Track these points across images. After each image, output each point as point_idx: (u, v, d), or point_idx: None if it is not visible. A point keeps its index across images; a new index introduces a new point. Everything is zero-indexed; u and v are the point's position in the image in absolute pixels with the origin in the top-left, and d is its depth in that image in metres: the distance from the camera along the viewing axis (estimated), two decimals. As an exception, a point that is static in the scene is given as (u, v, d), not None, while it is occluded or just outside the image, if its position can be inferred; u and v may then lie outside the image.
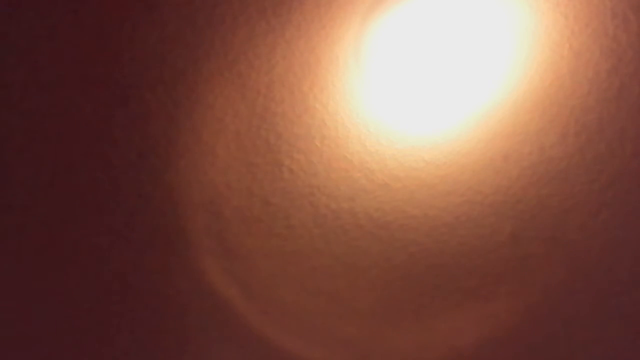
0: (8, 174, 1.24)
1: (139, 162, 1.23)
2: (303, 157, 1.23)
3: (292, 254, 1.37)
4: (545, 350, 1.57)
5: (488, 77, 1.13)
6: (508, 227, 1.33)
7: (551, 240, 1.34)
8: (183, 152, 1.22)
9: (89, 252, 1.36)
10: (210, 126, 1.19)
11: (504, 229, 1.33)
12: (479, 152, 1.22)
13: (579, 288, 1.43)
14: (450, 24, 1.06)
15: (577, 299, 1.45)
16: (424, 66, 1.09)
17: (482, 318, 1.49)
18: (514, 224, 1.32)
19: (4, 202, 1.28)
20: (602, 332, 1.52)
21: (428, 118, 1.18)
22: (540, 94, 1.15)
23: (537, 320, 1.50)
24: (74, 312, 1.48)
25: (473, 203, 1.29)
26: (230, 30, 1.08)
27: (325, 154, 1.23)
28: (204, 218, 1.31)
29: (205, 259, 1.38)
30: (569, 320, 1.50)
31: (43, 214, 1.30)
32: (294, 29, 1.08)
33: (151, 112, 1.17)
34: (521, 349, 1.56)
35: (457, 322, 1.50)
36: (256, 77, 1.13)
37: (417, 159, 1.23)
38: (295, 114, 1.17)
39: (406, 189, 1.27)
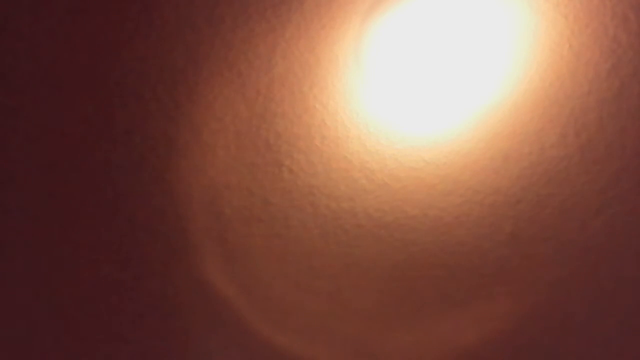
0: (8, 174, 1.24)
1: (139, 162, 1.23)
2: (303, 157, 1.23)
3: (292, 254, 1.37)
4: (546, 350, 1.57)
5: (488, 77, 1.13)
6: (508, 227, 1.33)
7: (551, 240, 1.34)
8: (183, 152, 1.22)
9: (88, 252, 1.36)
10: (210, 126, 1.19)
11: (504, 229, 1.33)
12: (479, 152, 1.22)
13: (579, 288, 1.43)
14: (450, 24, 1.06)
15: (577, 299, 1.45)
16: (424, 66, 1.09)
17: (482, 318, 1.49)
18: (514, 224, 1.32)
19: (3, 203, 1.28)
20: (602, 332, 1.52)
21: (428, 118, 1.18)
22: (540, 94, 1.15)
23: (537, 320, 1.50)
24: (74, 312, 1.48)
25: (473, 203, 1.29)
26: (230, 30, 1.08)
27: (325, 154, 1.23)
28: (204, 218, 1.31)
29: (206, 259, 1.38)
30: (569, 320, 1.50)
31: (43, 214, 1.30)
32: (294, 29, 1.08)
33: (151, 112, 1.17)
34: (521, 349, 1.56)
35: (457, 322, 1.50)
36: (256, 77, 1.13)
37: (417, 159, 1.23)
38: (295, 114, 1.17)
39: (406, 189, 1.27)
